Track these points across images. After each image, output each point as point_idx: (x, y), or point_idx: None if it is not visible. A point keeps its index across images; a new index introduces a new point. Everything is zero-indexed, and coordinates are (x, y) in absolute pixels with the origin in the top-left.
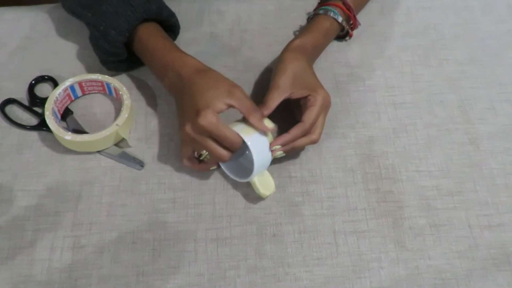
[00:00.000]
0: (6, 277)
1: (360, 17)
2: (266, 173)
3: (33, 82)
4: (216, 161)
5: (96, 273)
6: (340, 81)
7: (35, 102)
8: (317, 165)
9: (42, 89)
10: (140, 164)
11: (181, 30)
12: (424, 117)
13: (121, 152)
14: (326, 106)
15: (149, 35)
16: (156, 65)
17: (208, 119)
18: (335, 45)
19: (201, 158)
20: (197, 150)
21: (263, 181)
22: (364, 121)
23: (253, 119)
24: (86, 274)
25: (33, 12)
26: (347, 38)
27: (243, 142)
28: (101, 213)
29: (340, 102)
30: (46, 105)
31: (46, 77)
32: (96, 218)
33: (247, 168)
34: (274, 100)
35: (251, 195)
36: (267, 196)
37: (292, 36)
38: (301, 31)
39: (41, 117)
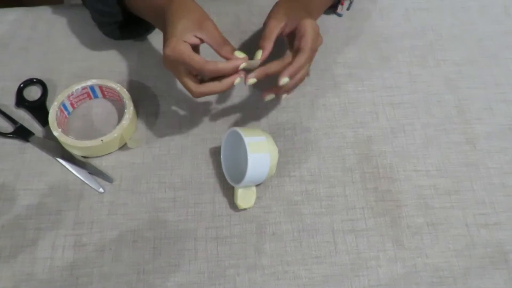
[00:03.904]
0: (8, 275)
1: (359, 18)
2: (253, 189)
3: (21, 85)
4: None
5: (97, 271)
6: (338, 81)
7: (24, 105)
8: (316, 164)
9: (30, 93)
10: (109, 180)
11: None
12: (422, 117)
13: (89, 166)
14: (316, 34)
15: None
16: (147, 10)
17: (172, 46)
18: (333, 45)
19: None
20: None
21: (245, 194)
22: (362, 121)
23: (223, 52)
24: (87, 272)
25: (34, 13)
26: (339, 8)
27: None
28: (102, 212)
29: (339, 102)
30: (57, 97)
31: (34, 80)
32: (97, 217)
33: (241, 173)
34: (272, 31)
35: None
36: (242, 208)
37: None
38: None
39: (17, 124)
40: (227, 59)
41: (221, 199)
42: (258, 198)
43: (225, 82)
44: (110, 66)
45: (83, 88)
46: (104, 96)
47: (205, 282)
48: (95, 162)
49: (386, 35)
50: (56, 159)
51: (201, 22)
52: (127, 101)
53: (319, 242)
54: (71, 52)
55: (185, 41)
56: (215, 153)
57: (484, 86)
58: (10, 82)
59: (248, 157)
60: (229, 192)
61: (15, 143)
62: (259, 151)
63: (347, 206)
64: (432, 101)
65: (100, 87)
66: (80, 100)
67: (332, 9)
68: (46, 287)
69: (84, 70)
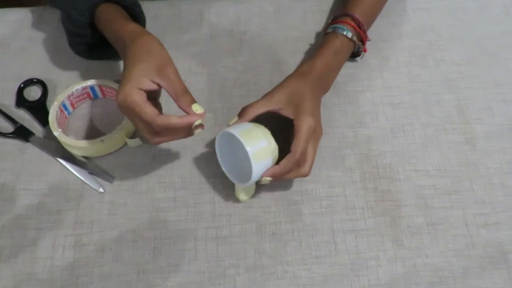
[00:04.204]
0: (8, 275)
1: None
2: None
3: (22, 85)
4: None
5: (98, 271)
6: (338, 81)
7: (24, 105)
8: (315, 164)
9: (30, 93)
10: (109, 180)
11: (181, 32)
12: (422, 117)
13: (91, 165)
14: (314, 134)
15: (109, 13)
16: (113, 39)
17: (125, 94)
18: None
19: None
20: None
21: (248, 188)
22: (362, 120)
23: (181, 103)
24: (88, 272)
25: (35, 13)
26: (361, 54)
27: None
28: (102, 212)
29: (339, 102)
30: (58, 97)
31: (35, 80)
32: (97, 217)
33: (242, 171)
34: (258, 108)
35: None
36: (244, 200)
37: (291, 37)
38: (312, 53)
39: (17, 124)
40: (184, 111)
41: (221, 199)
42: (258, 198)
43: (181, 134)
44: (110, 66)
45: (83, 88)
46: (104, 96)
47: (205, 282)
48: (95, 162)
49: (386, 35)
50: (56, 159)
51: (162, 67)
52: None
53: (319, 242)
54: (71, 52)
55: (140, 88)
56: (215, 153)
57: (483, 86)
58: (10, 82)
59: (252, 167)
60: (229, 191)
61: (15, 143)
62: (262, 158)
63: (347, 206)
64: (431, 101)
65: (100, 87)
66: (80, 100)
67: (352, 58)
68: (46, 287)
69: (84, 70)
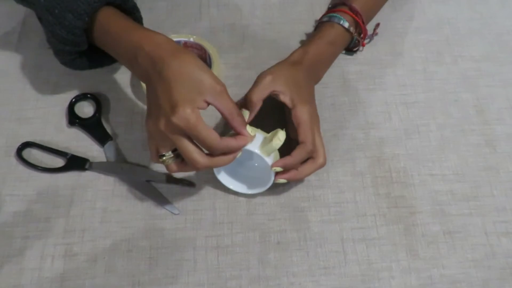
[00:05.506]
0: None
1: None
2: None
3: (73, 100)
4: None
5: (89, 283)
6: (348, 79)
7: (74, 122)
8: (324, 168)
9: (82, 108)
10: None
11: (179, 25)
12: (438, 117)
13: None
14: (315, 121)
15: (110, 17)
16: (121, 50)
17: (186, 117)
18: None
19: (163, 159)
20: (163, 149)
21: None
22: (374, 121)
23: (235, 124)
24: (79, 284)
25: None
26: (359, 48)
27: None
28: (95, 219)
29: (349, 101)
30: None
31: (88, 95)
32: (89, 225)
33: (251, 177)
34: (262, 91)
35: (254, 200)
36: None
37: (297, 31)
38: (305, 41)
39: (68, 155)
40: (237, 131)
41: (222, 206)
42: (261, 204)
43: (232, 156)
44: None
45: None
46: None
47: None
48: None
49: (400, 29)
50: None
51: (213, 86)
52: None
53: (327, 252)
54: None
55: (196, 107)
56: None
57: (504, 84)
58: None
59: (266, 161)
60: (230, 197)
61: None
62: (268, 150)
63: (358, 213)
64: (448, 100)
65: (185, 43)
66: None
67: (349, 52)
68: None
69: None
